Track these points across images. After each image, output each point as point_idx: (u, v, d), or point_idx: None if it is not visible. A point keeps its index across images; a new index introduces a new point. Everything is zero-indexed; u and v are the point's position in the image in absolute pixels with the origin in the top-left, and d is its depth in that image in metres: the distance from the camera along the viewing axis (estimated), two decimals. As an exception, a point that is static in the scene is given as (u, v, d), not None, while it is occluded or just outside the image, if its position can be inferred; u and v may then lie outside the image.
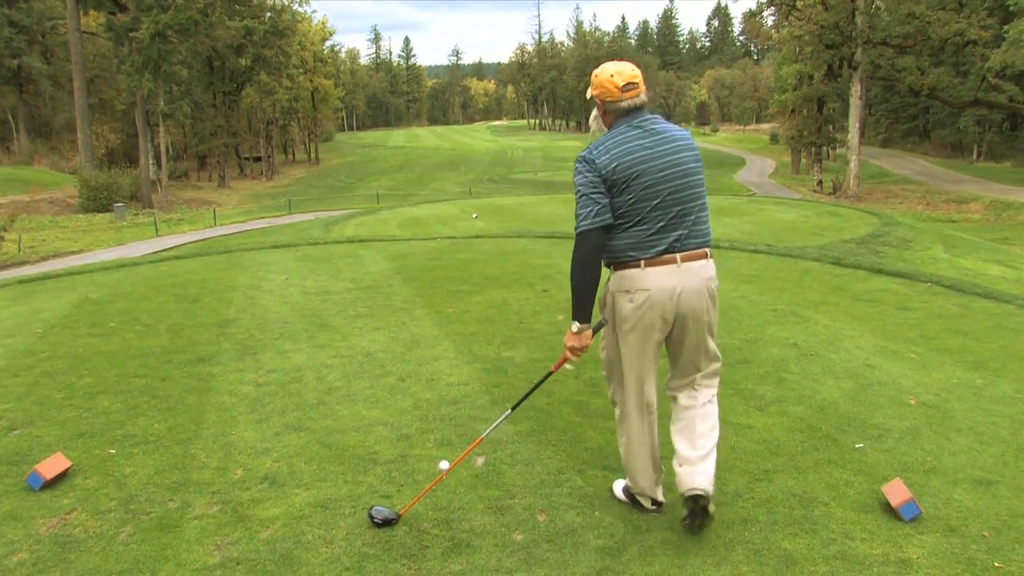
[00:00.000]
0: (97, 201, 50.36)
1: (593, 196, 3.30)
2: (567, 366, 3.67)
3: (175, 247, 28.29)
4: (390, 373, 5.77)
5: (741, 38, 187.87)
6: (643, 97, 3.41)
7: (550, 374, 3.80)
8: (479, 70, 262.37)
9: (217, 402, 5.26)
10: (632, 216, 3.33)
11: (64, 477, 4.13)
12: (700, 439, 3.49)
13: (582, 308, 3.41)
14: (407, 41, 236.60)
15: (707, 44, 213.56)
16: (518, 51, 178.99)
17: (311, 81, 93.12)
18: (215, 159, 76.87)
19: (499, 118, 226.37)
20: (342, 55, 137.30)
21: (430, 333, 6.86)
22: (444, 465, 3.94)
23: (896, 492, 3.63)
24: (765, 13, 61.55)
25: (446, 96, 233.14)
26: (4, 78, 65.12)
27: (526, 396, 3.93)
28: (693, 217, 3.40)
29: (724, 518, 3.62)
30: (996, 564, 3.23)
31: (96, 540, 3.53)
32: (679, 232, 3.36)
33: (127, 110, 64.94)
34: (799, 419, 4.77)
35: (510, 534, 3.50)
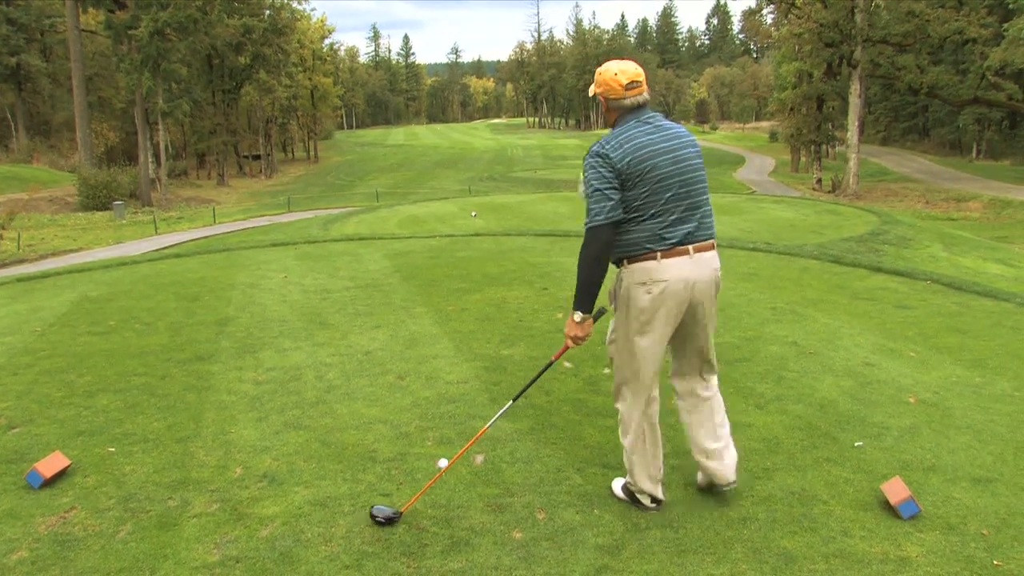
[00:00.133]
0: (96, 199, 50.28)
1: (607, 192, 3.35)
2: (566, 363, 3.69)
3: (174, 245, 28.28)
4: (389, 371, 5.77)
5: (740, 36, 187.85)
6: (646, 95, 3.48)
7: (551, 364, 3.86)
8: (478, 68, 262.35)
9: (216, 400, 5.26)
10: (647, 209, 3.40)
11: (63, 475, 4.13)
12: (720, 428, 3.71)
13: (587, 299, 3.47)
14: (406, 39, 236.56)
15: (706, 42, 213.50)
16: (517, 49, 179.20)
17: (310, 79, 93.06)
18: (214, 157, 76.82)
19: (498, 116, 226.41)
20: (341, 53, 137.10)
21: (429, 331, 6.86)
22: (443, 463, 3.95)
23: (895, 490, 3.63)
24: (764, 11, 61.50)
25: (445, 94, 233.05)
26: (3, 76, 65.02)
27: (527, 387, 3.99)
28: (702, 210, 3.51)
29: (723, 516, 3.62)
30: (995, 562, 3.24)
31: (95, 538, 3.53)
32: (691, 224, 3.45)
33: (126, 108, 64.84)
34: (798, 417, 4.77)
35: (509, 532, 3.50)
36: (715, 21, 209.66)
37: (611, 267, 3.55)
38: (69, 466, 4.18)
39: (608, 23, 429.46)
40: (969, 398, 5.11)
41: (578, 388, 5.31)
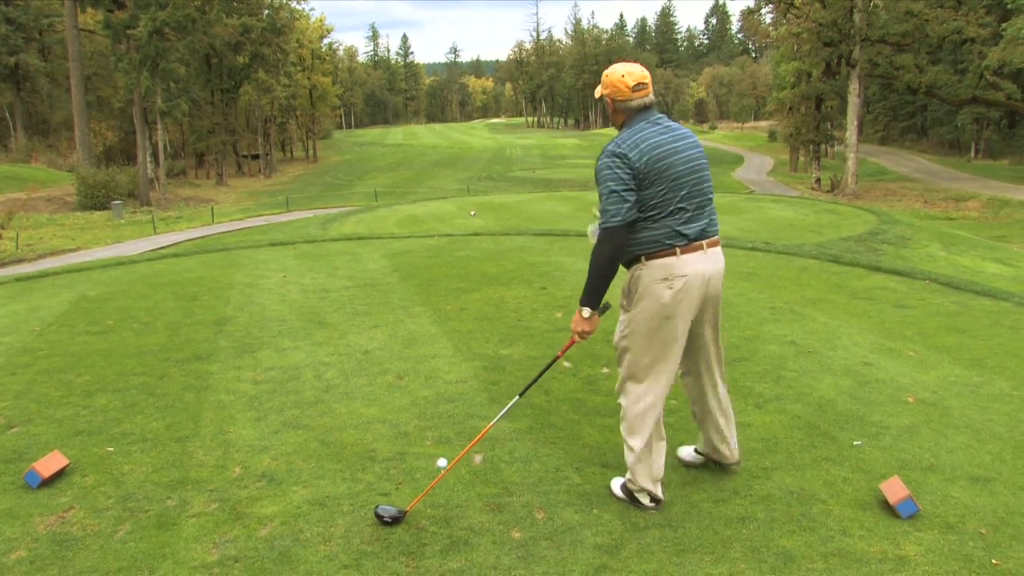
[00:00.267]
0: (95, 199, 50.23)
1: (624, 194, 3.42)
2: (565, 363, 3.72)
3: (173, 245, 28.29)
4: (388, 371, 5.77)
5: (739, 36, 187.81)
6: (652, 97, 3.58)
7: (556, 359, 3.96)
8: (477, 68, 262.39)
9: (215, 400, 5.25)
10: (665, 207, 3.49)
11: (62, 475, 4.13)
12: (729, 419, 3.94)
13: (597, 297, 3.55)
14: (405, 39, 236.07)
15: (705, 42, 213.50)
16: (516, 49, 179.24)
17: (309, 79, 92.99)
18: (213, 157, 76.75)
19: (497, 116, 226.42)
20: (340, 53, 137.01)
21: (428, 331, 6.86)
22: (442, 463, 3.95)
23: (894, 489, 3.64)
24: (763, 11, 61.46)
25: (444, 94, 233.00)
26: (1, 75, 64.88)
27: (533, 382, 4.06)
28: (710, 207, 3.64)
29: (722, 515, 3.62)
30: (993, 561, 3.24)
31: (94, 538, 3.53)
32: (704, 221, 3.57)
33: (125, 108, 64.76)
34: (797, 417, 4.78)
35: (508, 532, 3.50)
36: (714, 21, 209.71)
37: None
38: (68, 466, 4.18)
39: (607, 23, 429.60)
40: (968, 397, 5.12)
41: (577, 388, 5.31)
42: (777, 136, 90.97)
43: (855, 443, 4.38)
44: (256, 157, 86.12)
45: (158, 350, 6.46)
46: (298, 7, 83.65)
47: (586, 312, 3.56)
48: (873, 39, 50.68)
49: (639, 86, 3.52)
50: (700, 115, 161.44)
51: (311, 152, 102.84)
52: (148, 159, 56.88)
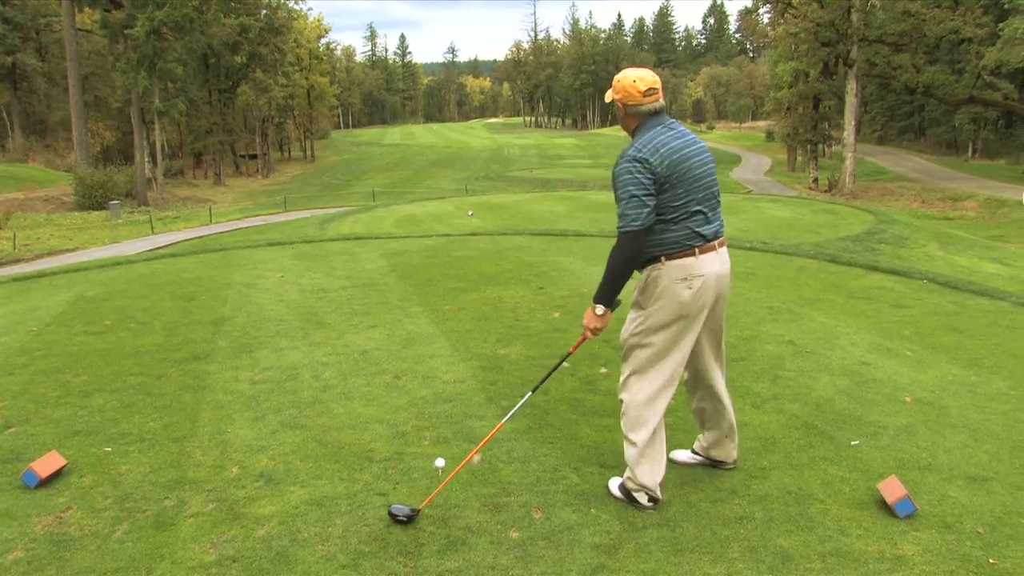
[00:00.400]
0: (92, 199, 50.20)
1: (644, 199, 3.48)
2: (564, 364, 3.73)
3: (170, 245, 28.27)
4: (386, 371, 5.77)
5: (737, 36, 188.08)
6: (662, 101, 3.63)
7: (568, 355, 4.07)
8: (475, 67, 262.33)
9: (213, 400, 5.25)
10: (686, 209, 3.56)
11: (59, 475, 4.13)
12: (730, 415, 4.00)
13: (611, 295, 3.62)
14: (403, 38, 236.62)
15: (703, 41, 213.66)
16: (514, 48, 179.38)
17: (307, 79, 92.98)
18: (211, 157, 76.73)
19: (495, 115, 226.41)
20: (338, 52, 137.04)
21: (426, 331, 6.86)
22: (440, 463, 3.96)
23: (891, 489, 3.64)
24: (761, 11, 61.52)
25: (442, 94, 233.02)
26: (-1, 75, 65.00)
27: (546, 378, 4.13)
28: (719, 208, 3.74)
29: (720, 515, 3.62)
30: (991, 561, 3.24)
31: (91, 538, 3.53)
32: (717, 221, 3.68)
33: (122, 107, 64.74)
34: (795, 416, 4.78)
35: (506, 532, 3.50)
36: (711, 20, 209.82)
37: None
38: (65, 466, 4.18)
39: (605, 22, 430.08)
40: (965, 397, 5.12)
41: (575, 388, 5.31)
42: (775, 136, 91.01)
43: (853, 443, 4.38)
44: (254, 157, 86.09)
45: (156, 350, 6.46)
46: (296, 7, 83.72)
47: (600, 310, 3.63)
48: (871, 39, 50.75)
49: (650, 91, 3.57)
50: (698, 115, 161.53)
51: (309, 152, 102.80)
52: (146, 159, 56.83)
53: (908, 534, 3.44)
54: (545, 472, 4.07)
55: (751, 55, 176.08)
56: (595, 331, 3.69)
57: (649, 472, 3.65)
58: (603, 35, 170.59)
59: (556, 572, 3.20)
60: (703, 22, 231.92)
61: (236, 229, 38.07)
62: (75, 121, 57.62)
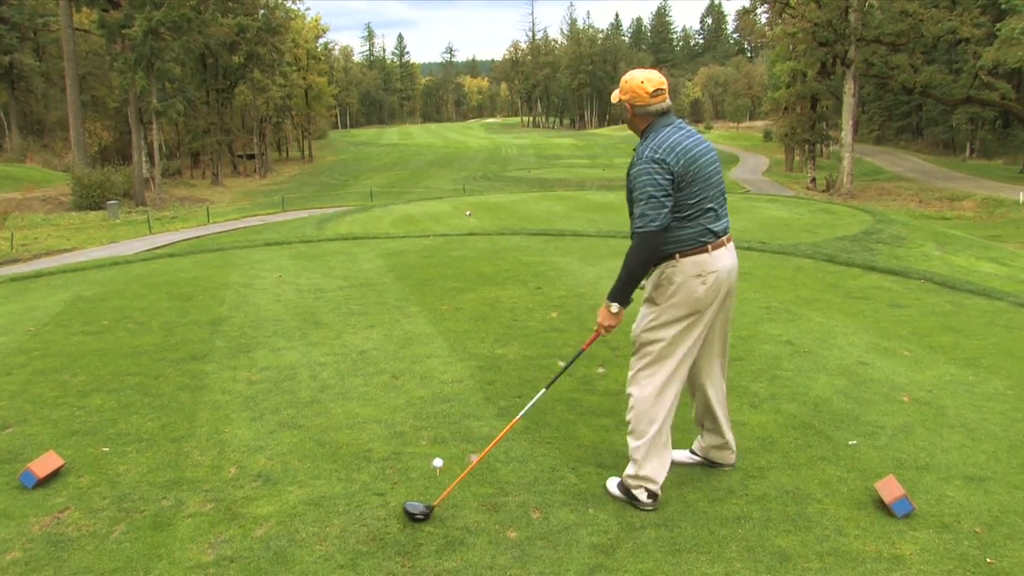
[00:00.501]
0: (90, 199, 50.18)
1: (663, 200, 3.52)
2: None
3: (168, 245, 28.24)
4: (383, 371, 5.77)
5: (735, 35, 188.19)
6: (669, 101, 3.69)
7: (582, 351, 4.10)
8: (473, 67, 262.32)
9: (210, 400, 5.25)
10: (700, 206, 3.62)
11: (57, 475, 4.12)
12: (727, 416, 4.05)
13: (627, 294, 3.66)
14: (400, 38, 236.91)
15: (701, 41, 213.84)
16: (512, 48, 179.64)
17: (304, 78, 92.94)
18: (208, 157, 76.70)
19: (493, 115, 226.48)
20: (335, 52, 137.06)
21: (423, 331, 6.86)
22: (438, 463, 3.96)
23: (889, 488, 3.64)
24: (759, 10, 61.65)
25: (440, 93, 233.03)
26: (-4, 75, 64.93)
27: (560, 374, 4.19)
28: (726, 205, 3.80)
29: (718, 515, 3.63)
30: (988, 560, 3.25)
31: (89, 538, 3.52)
32: (726, 218, 3.76)
33: (120, 107, 64.71)
34: (792, 416, 4.78)
35: (504, 532, 3.50)
36: (709, 20, 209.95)
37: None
38: (63, 466, 4.17)
39: (602, 22, 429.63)
40: (963, 396, 5.13)
41: (572, 387, 5.31)
42: (772, 136, 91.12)
43: (850, 442, 4.38)
44: (251, 157, 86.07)
45: (153, 350, 6.45)
46: (293, 7, 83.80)
47: (615, 308, 3.66)
48: (868, 39, 50.81)
49: (657, 91, 3.62)
50: (695, 115, 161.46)
51: (307, 152, 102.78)
52: (143, 159, 56.80)
53: (906, 534, 3.44)
54: (543, 472, 4.07)
55: (749, 55, 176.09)
56: (609, 328, 3.73)
57: (654, 467, 3.67)
58: (601, 35, 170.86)
59: (554, 572, 3.20)
60: (701, 22, 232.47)
61: (234, 229, 38.05)
62: (72, 121, 57.57)
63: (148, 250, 20.27)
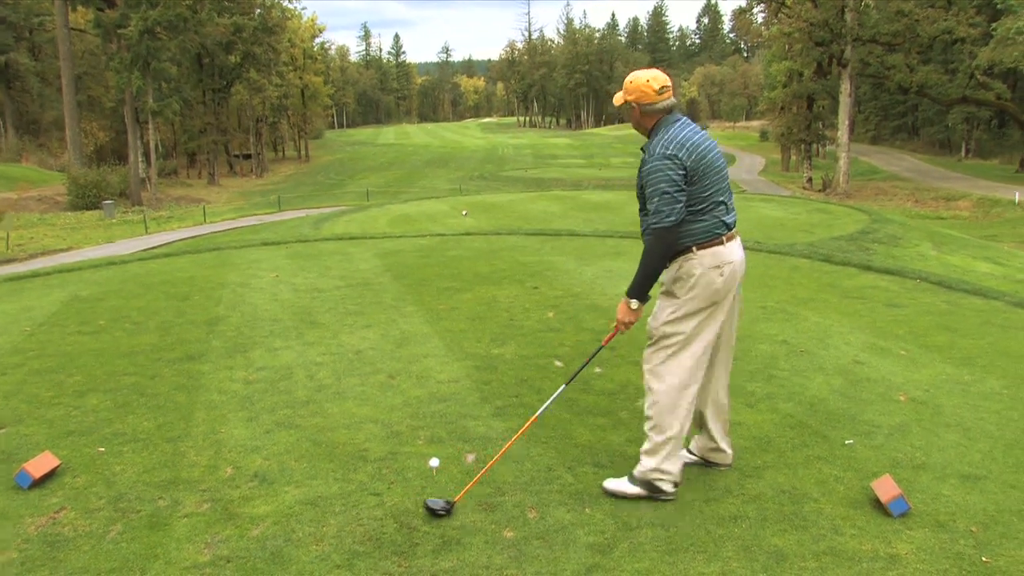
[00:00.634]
0: (86, 199, 50.06)
1: (677, 196, 3.58)
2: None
3: (164, 245, 28.18)
4: (380, 370, 5.76)
5: (731, 35, 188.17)
6: (674, 99, 3.76)
7: (601, 348, 4.16)
8: (469, 67, 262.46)
9: (207, 400, 5.24)
10: (713, 199, 3.70)
11: (53, 476, 4.11)
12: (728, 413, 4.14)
13: (645, 290, 3.71)
14: (397, 38, 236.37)
15: (697, 41, 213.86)
16: (508, 48, 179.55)
17: (301, 78, 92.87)
18: (205, 156, 76.61)
19: (489, 115, 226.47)
20: (332, 52, 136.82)
21: (420, 330, 6.85)
22: (434, 462, 3.97)
23: (885, 488, 3.65)
24: (755, 10, 61.60)
25: (436, 93, 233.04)
26: (-9, 74, 64.80)
27: (579, 371, 4.27)
28: (733, 199, 3.88)
29: (714, 514, 3.63)
30: (984, 559, 3.25)
31: (85, 539, 3.52)
32: (734, 211, 3.85)
33: (116, 107, 64.61)
34: (789, 416, 4.79)
35: (500, 531, 3.50)
36: (706, 20, 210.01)
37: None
38: (59, 466, 4.16)
39: (599, 22, 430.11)
40: (958, 396, 5.14)
41: (569, 387, 5.30)
42: (768, 135, 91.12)
43: (847, 442, 4.39)
44: (248, 157, 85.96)
45: (150, 350, 6.44)
46: (289, 6, 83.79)
47: (634, 304, 3.72)
48: (864, 39, 50.84)
49: (663, 88, 3.68)
50: (692, 114, 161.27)
51: (303, 152, 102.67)
52: (139, 159, 56.73)
53: (902, 533, 3.45)
54: (539, 472, 4.07)
55: (745, 55, 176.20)
56: (628, 325, 3.78)
57: (675, 461, 3.75)
58: (597, 35, 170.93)
59: (550, 572, 3.20)
60: (697, 22, 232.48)
61: (230, 229, 37.97)
62: (68, 121, 57.49)
63: (144, 250, 20.23)
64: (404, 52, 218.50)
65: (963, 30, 47.05)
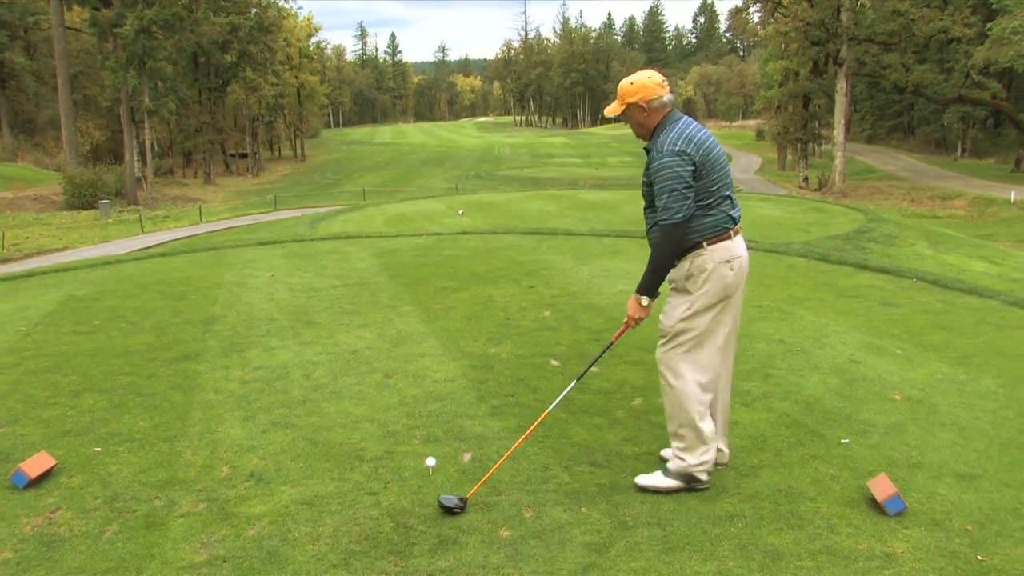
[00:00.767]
0: (82, 198, 50.00)
1: (685, 192, 3.62)
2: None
3: (160, 244, 28.15)
4: (376, 370, 5.76)
5: (727, 34, 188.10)
6: (672, 94, 3.81)
7: (611, 344, 4.19)
8: (465, 66, 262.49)
9: (203, 400, 5.23)
10: (719, 194, 3.74)
11: (49, 475, 4.11)
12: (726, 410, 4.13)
13: (655, 286, 3.76)
14: (393, 37, 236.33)
15: (693, 40, 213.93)
16: (504, 48, 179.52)
17: (297, 77, 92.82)
18: (201, 156, 76.49)
19: (485, 114, 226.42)
20: (328, 51, 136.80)
21: (416, 330, 6.85)
22: (431, 462, 3.96)
23: (881, 487, 3.65)
24: (751, 9, 61.66)
25: (432, 92, 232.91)
26: (-14, 74, 64.65)
27: (590, 366, 4.37)
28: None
29: (710, 513, 3.63)
30: (979, 557, 3.26)
31: (81, 539, 3.51)
32: (739, 206, 3.88)
33: (112, 106, 64.40)
34: (785, 415, 4.79)
35: (497, 530, 3.50)
36: (702, 19, 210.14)
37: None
38: (55, 466, 4.16)
39: (595, 21, 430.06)
40: (954, 395, 5.15)
41: (565, 386, 5.30)
42: (765, 135, 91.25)
43: (842, 441, 4.39)
44: (244, 156, 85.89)
45: (146, 350, 6.43)
46: (286, 5, 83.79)
47: (645, 300, 3.76)
48: (860, 38, 50.95)
49: (663, 82, 3.75)
50: (688, 114, 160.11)
51: (299, 151, 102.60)
52: (135, 158, 56.63)
53: (898, 532, 3.45)
54: (536, 471, 4.07)
55: (741, 54, 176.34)
56: (638, 321, 3.83)
57: (712, 447, 3.81)
58: (593, 34, 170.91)
59: (547, 571, 3.20)
60: (693, 21, 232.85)
61: (226, 228, 37.93)
62: (64, 120, 57.36)
63: (140, 249, 20.21)
64: (400, 51, 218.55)
65: (959, 30, 47.16)
